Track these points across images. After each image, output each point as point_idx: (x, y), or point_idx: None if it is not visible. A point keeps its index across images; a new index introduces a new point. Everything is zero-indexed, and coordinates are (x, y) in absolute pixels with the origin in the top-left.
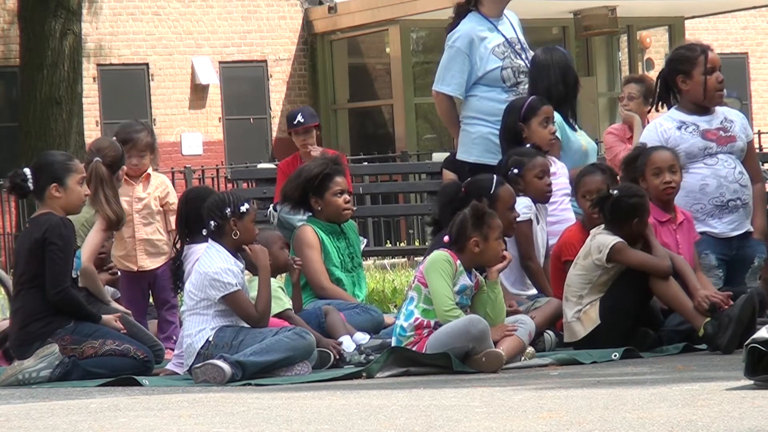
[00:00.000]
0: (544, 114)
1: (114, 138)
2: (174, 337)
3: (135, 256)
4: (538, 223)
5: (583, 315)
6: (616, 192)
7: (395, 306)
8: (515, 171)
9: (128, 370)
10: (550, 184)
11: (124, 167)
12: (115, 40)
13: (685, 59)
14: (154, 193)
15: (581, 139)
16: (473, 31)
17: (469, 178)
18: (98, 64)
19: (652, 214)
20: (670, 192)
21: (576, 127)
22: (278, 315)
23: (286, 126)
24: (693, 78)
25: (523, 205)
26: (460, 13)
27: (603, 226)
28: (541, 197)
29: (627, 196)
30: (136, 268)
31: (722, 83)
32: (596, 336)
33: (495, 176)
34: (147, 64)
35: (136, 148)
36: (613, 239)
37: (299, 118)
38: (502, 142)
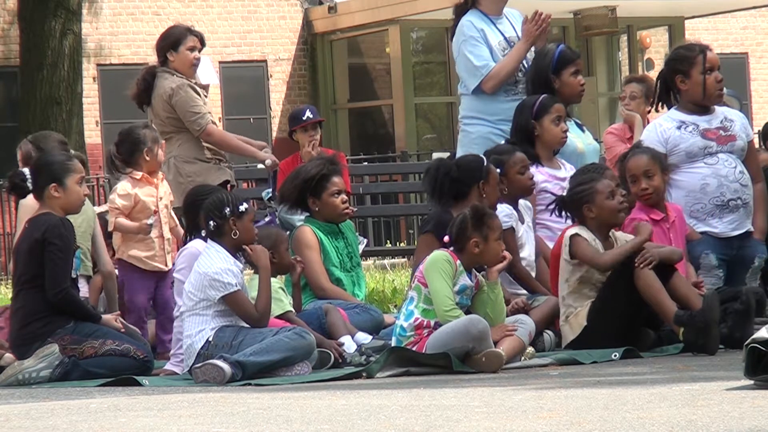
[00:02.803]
0: (556, 112)
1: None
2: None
3: (164, 256)
4: (523, 222)
5: (572, 318)
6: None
7: (395, 306)
8: (497, 171)
9: (128, 370)
10: (532, 178)
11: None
12: (115, 40)
13: (684, 59)
14: (167, 191)
15: (576, 140)
16: (473, 20)
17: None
18: (98, 64)
19: (646, 214)
20: (647, 198)
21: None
22: (279, 316)
23: (291, 124)
24: (692, 78)
25: (504, 213)
26: (460, 13)
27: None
28: (526, 191)
29: (570, 189)
30: (167, 268)
31: (721, 83)
32: (588, 337)
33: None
34: (147, 64)
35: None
36: (572, 232)
37: (308, 113)
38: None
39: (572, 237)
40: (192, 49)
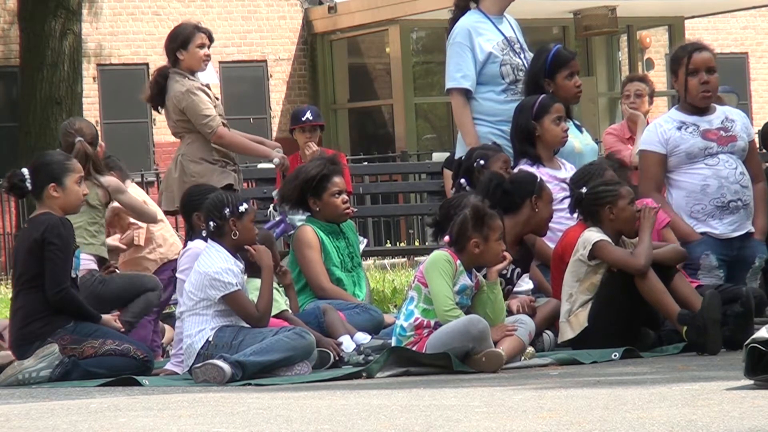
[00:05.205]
0: (556, 112)
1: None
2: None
3: (174, 244)
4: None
5: (572, 317)
6: (583, 189)
7: (395, 306)
8: (481, 162)
9: (128, 370)
10: None
11: (102, 144)
12: (115, 40)
13: (675, 59)
14: None
15: (574, 140)
16: (471, 24)
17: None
18: (98, 64)
19: None
20: None
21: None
22: (276, 316)
23: (291, 123)
24: (679, 78)
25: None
26: (458, 8)
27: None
28: None
29: (592, 188)
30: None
31: (706, 84)
32: (588, 337)
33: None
34: (147, 64)
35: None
36: (597, 236)
37: (308, 115)
38: (513, 142)
39: (597, 243)
40: (201, 46)
